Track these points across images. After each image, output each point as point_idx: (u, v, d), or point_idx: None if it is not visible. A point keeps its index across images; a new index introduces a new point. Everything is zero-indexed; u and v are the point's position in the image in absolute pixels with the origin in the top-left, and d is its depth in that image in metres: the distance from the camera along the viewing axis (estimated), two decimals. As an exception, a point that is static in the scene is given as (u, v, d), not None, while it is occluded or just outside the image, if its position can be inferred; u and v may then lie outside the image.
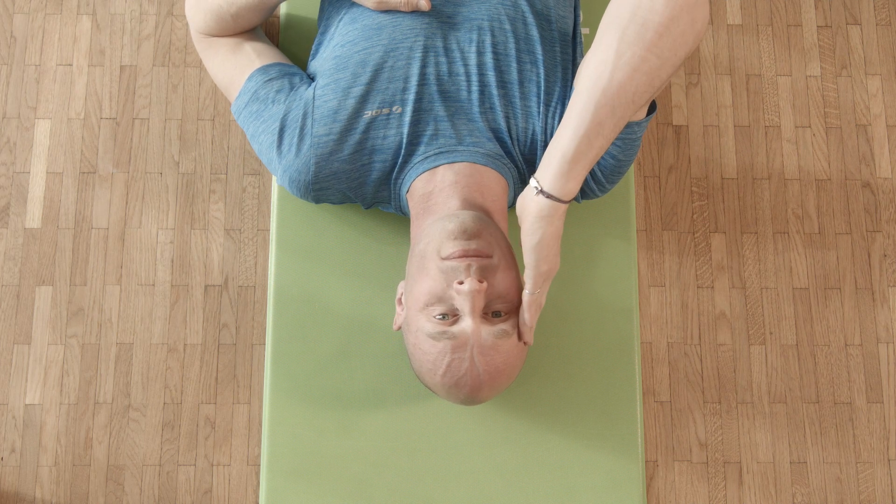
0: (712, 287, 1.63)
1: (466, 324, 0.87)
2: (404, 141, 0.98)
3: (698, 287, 1.63)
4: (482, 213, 0.94)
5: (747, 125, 1.70)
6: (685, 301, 1.62)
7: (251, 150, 1.63)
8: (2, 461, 1.51)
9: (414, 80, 0.97)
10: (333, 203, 1.06)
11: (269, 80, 1.03)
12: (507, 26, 0.99)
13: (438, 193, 0.97)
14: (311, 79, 1.03)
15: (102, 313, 1.56)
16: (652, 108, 0.97)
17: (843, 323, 1.63)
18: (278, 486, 1.07)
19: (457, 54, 0.98)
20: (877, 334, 1.63)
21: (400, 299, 0.97)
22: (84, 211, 1.60)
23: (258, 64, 1.06)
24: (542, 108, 0.99)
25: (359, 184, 1.01)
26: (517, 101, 0.99)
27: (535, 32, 0.99)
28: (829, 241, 1.66)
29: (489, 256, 0.89)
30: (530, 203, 0.87)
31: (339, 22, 1.03)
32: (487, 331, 0.88)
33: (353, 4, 1.02)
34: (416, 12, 0.98)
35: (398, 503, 1.07)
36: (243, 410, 1.54)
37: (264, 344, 1.55)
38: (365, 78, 0.97)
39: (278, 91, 1.02)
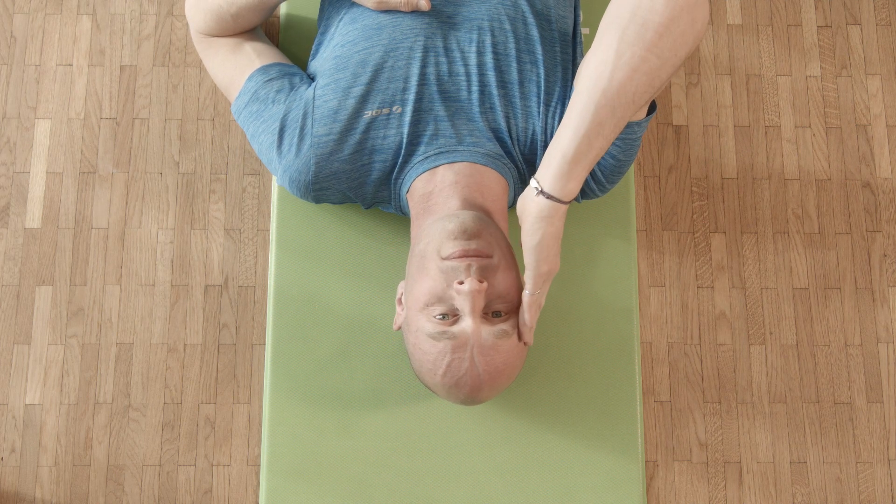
0: (712, 287, 1.63)
1: (466, 324, 0.87)
2: (404, 141, 0.98)
3: (698, 287, 1.63)
4: (482, 213, 0.94)
5: (747, 125, 1.70)
6: (685, 301, 1.62)
7: (251, 150, 1.63)
8: (2, 461, 1.51)
9: (414, 80, 0.97)
10: (333, 203, 1.06)
11: (269, 80, 1.03)
12: (508, 26, 0.99)
13: (438, 193, 0.97)
14: (311, 79, 1.03)
15: (102, 313, 1.56)
16: (652, 108, 0.97)
17: (843, 323, 1.63)
18: (278, 486, 1.07)
19: (457, 54, 0.98)
20: (877, 334, 1.63)
21: (400, 299, 0.97)
22: (84, 211, 1.60)
23: (258, 64, 1.06)
24: (542, 108, 0.99)
25: (359, 184, 1.01)
26: (517, 101, 0.99)
27: (535, 32, 0.99)
28: (829, 241, 1.66)
29: (489, 256, 0.89)
30: (530, 203, 0.87)
31: (339, 22, 1.03)
32: (487, 331, 0.88)
33: (353, 4, 1.02)
34: (416, 12, 0.98)
35: (398, 503, 1.07)
36: (243, 410, 1.54)
37: (264, 344, 1.55)
38: (365, 78, 0.97)
39: (278, 91, 1.02)
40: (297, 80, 1.03)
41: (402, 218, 1.12)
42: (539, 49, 0.99)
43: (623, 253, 1.14)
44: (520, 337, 0.91)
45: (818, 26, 1.75)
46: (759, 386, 1.60)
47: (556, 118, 0.99)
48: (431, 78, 0.98)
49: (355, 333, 1.10)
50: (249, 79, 1.04)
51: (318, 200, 1.03)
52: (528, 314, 0.90)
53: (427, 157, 0.98)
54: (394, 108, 0.98)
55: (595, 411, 1.09)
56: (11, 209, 1.59)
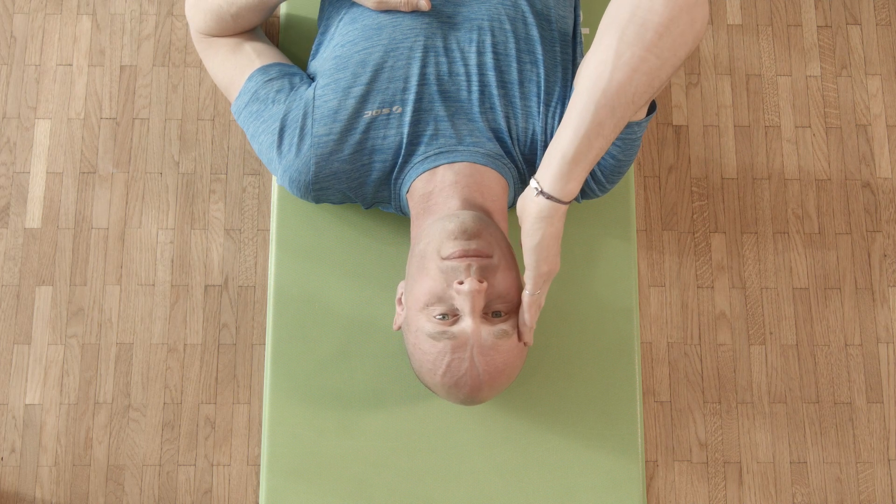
0: (712, 287, 1.63)
1: (466, 324, 0.87)
2: (404, 141, 0.98)
3: (698, 287, 1.63)
4: (482, 213, 0.94)
5: (747, 125, 1.70)
6: (685, 301, 1.62)
7: (251, 150, 1.63)
8: (2, 461, 1.51)
9: (414, 80, 0.97)
10: (333, 203, 1.06)
11: (270, 80, 1.03)
12: (508, 26, 0.99)
13: (438, 193, 0.97)
14: (312, 79, 1.03)
15: (102, 313, 1.56)
16: (652, 107, 0.97)
17: (843, 323, 1.63)
18: (278, 486, 1.07)
19: (457, 54, 0.98)
20: (877, 334, 1.63)
21: (400, 299, 0.97)
22: (84, 211, 1.60)
23: (258, 64, 1.06)
24: (542, 108, 0.99)
25: (359, 184, 1.01)
26: (517, 101, 0.99)
27: (535, 32, 0.99)
28: (829, 241, 1.66)
29: (489, 256, 0.89)
30: (530, 204, 0.87)
31: (340, 22, 1.03)
32: (487, 331, 0.88)
33: (354, 4, 1.02)
34: (416, 12, 0.98)
35: (398, 503, 1.07)
36: (243, 410, 1.54)
37: (264, 344, 1.55)
38: (365, 78, 0.97)
39: (278, 91, 1.02)
40: (297, 80, 1.03)
41: (402, 218, 1.12)
42: (539, 49, 0.99)
43: (623, 253, 1.14)
44: (520, 337, 0.91)
45: (818, 26, 1.75)
46: (759, 386, 1.60)
47: (556, 118, 0.99)
48: (431, 78, 0.98)
49: (355, 333, 1.10)
50: (249, 79, 1.04)
51: (318, 200, 1.03)
52: (528, 314, 0.90)
53: (427, 157, 0.98)
54: (394, 108, 0.98)
55: (595, 411, 1.09)
56: (11, 209, 1.59)
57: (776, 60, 1.73)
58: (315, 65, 1.04)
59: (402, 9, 0.98)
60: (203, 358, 1.56)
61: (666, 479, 1.56)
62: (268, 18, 1.20)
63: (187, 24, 1.65)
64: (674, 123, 1.69)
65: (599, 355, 1.11)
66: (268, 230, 1.60)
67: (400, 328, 0.97)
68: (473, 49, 0.98)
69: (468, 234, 0.88)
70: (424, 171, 0.98)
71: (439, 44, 0.98)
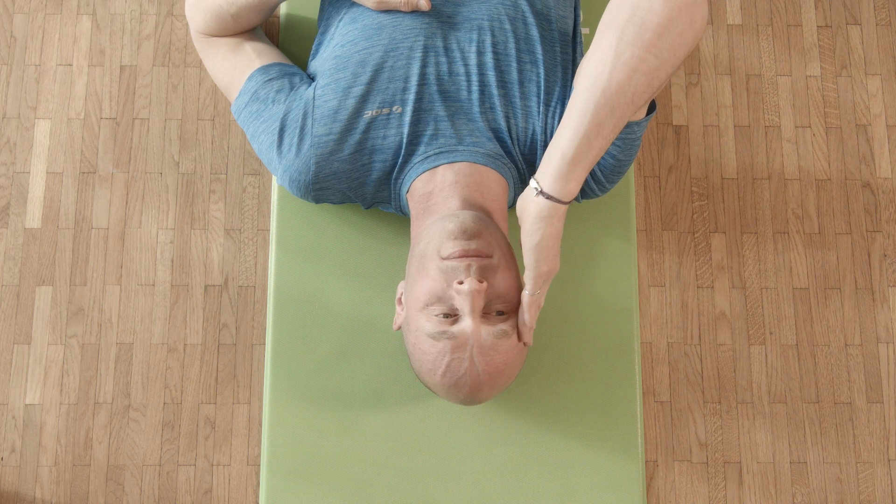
0: (712, 287, 1.63)
1: (466, 324, 0.87)
2: (404, 141, 0.98)
3: (698, 287, 1.63)
4: (482, 213, 0.94)
5: (747, 125, 1.70)
6: (685, 301, 1.62)
7: (251, 150, 1.63)
8: (2, 461, 1.51)
9: (414, 80, 0.97)
10: (333, 203, 1.06)
11: (269, 80, 1.03)
12: (508, 26, 0.99)
13: (438, 193, 0.97)
14: (312, 79, 1.03)
15: (102, 313, 1.56)
16: (651, 107, 0.97)
17: (843, 323, 1.63)
18: (278, 486, 1.07)
19: (457, 54, 0.98)
20: (877, 334, 1.63)
21: (400, 299, 0.97)
22: (84, 211, 1.60)
23: (258, 64, 1.06)
24: (542, 107, 0.99)
25: (359, 184, 1.01)
26: (517, 100, 0.99)
27: (535, 32, 0.99)
28: (829, 241, 1.66)
29: (489, 256, 0.89)
30: (530, 204, 0.87)
31: (340, 22, 1.03)
32: (487, 331, 0.88)
33: (354, 4, 1.02)
34: (416, 12, 0.98)
35: (398, 503, 1.07)
36: (243, 410, 1.54)
37: (264, 344, 1.55)
38: (365, 78, 0.97)
39: (278, 91, 1.02)
40: (297, 80, 1.03)
41: (402, 218, 1.12)
42: (539, 49, 0.99)
43: (623, 253, 1.14)
44: (519, 337, 0.91)
45: (818, 26, 1.75)
46: (759, 386, 1.60)
47: (556, 118, 0.99)
48: (431, 78, 0.98)
49: (355, 333, 1.10)
50: (249, 79, 1.04)
51: (318, 200, 1.03)
52: (527, 314, 0.90)
53: (427, 157, 0.98)
54: (394, 108, 0.98)
55: (595, 411, 1.09)
56: (11, 209, 1.59)
57: (776, 60, 1.73)
58: (315, 65, 1.04)
59: (402, 9, 0.98)
60: (203, 358, 1.56)
61: (666, 479, 1.56)
62: (268, 18, 1.20)
63: (187, 24, 1.65)
64: (674, 123, 1.69)
65: (599, 355, 1.11)
66: (268, 230, 1.60)
67: (400, 328, 0.97)
68: (473, 49, 0.98)
69: (468, 234, 0.88)
70: (424, 171, 0.98)
71: (439, 44, 0.98)
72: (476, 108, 0.98)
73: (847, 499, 1.57)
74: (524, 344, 0.92)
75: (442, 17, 0.99)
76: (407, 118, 0.97)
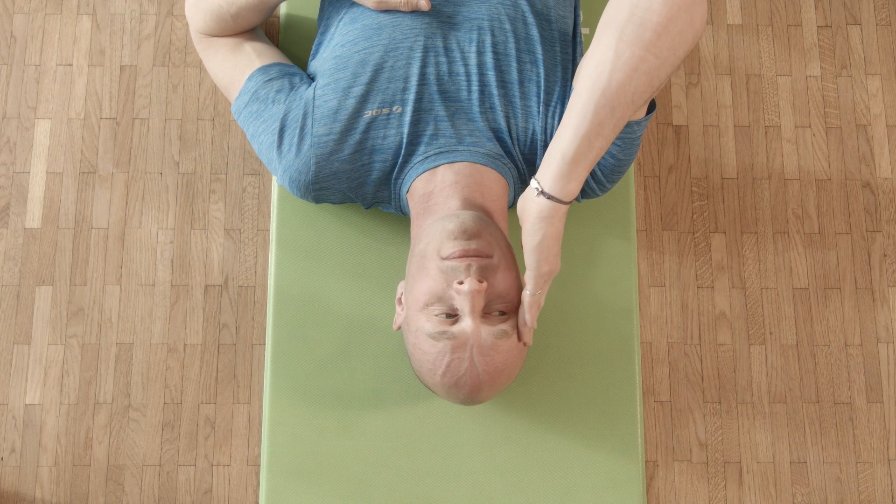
0: (712, 287, 1.63)
1: (466, 324, 0.87)
2: (404, 141, 0.98)
3: (698, 287, 1.63)
4: (482, 213, 0.94)
5: (747, 125, 1.70)
6: (685, 301, 1.62)
7: (251, 150, 1.63)
8: (2, 461, 1.51)
9: (414, 80, 0.97)
10: (333, 203, 1.06)
11: (270, 80, 1.03)
12: (507, 26, 0.99)
13: (438, 193, 0.97)
14: (311, 79, 1.03)
15: (102, 313, 1.56)
16: (651, 107, 0.97)
17: (843, 323, 1.63)
18: (278, 486, 1.07)
19: (457, 54, 0.98)
20: (877, 334, 1.63)
21: (400, 299, 0.97)
22: (84, 211, 1.60)
23: (258, 64, 1.06)
24: (541, 107, 0.99)
25: (359, 184, 1.01)
26: (517, 100, 0.99)
27: (535, 32, 0.99)
28: (829, 241, 1.66)
29: (489, 256, 0.89)
30: (531, 204, 0.87)
31: (339, 22, 1.03)
32: (487, 331, 0.88)
33: (353, 4, 1.02)
34: (416, 12, 0.98)
35: (398, 503, 1.07)
36: (243, 410, 1.54)
37: (264, 344, 1.55)
38: (365, 78, 0.97)
39: (278, 91, 1.02)
40: (297, 80, 1.03)
41: (402, 218, 1.12)
42: (539, 49, 0.99)
43: (623, 253, 1.14)
44: (519, 337, 0.91)
45: (818, 26, 1.75)
46: (759, 386, 1.60)
47: (556, 118, 0.99)
48: (431, 78, 0.98)
49: (355, 333, 1.10)
50: (249, 79, 1.04)
51: (318, 200, 1.03)
52: (528, 314, 0.90)
53: (427, 157, 0.98)
54: (394, 108, 0.98)
55: (595, 411, 1.09)
56: (11, 209, 1.59)
57: (776, 60, 1.73)
58: (315, 65, 1.04)
59: (402, 9, 0.98)
60: (203, 358, 1.56)
61: (666, 479, 1.56)
62: (268, 18, 1.20)
63: (187, 24, 1.65)
64: (674, 123, 1.69)
65: (599, 355, 1.11)
66: (268, 230, 1.60)
67: (400, 328, 0.97)
68: (473, 49, 0.98)
69: (468, 234, 0.88)
70: (424, 171, 0.98)
71: (439, 44, 0.98)
72: (476, 108, 0.98)
73: (847, 499, 1.57)
74: (524, 344, 0.92)
75: (442, 17, 0.99)
76: (407, 118, 0.97)
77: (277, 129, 0.99)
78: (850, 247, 1.66)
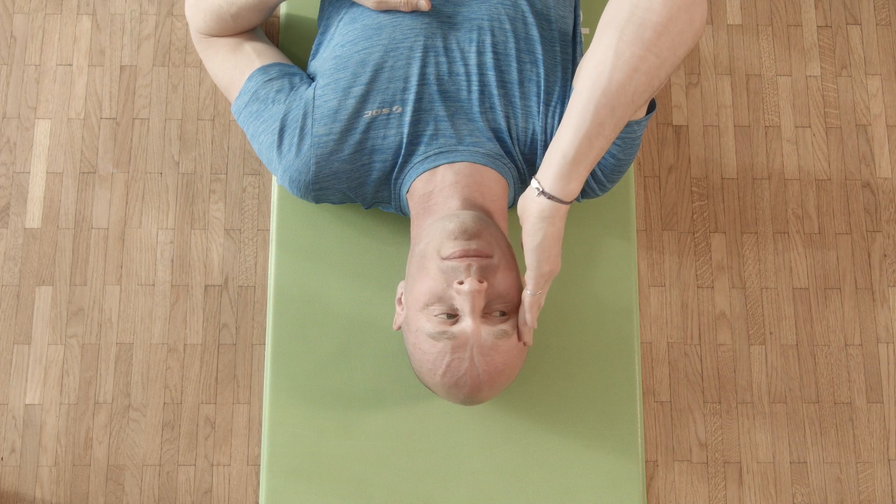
0: (712, 287, 1.63)
1: (466, 324, 0.87)
2: (404, 141, 0.98)
3: (698, 287, 1.63)
4: (482, 213, 0.94)
5: (747, 125, 1.70)
6: (685, 301, 1.62)
7: (251, 150, 1.63)
8: (2, 461, 1.51)
9: (414, 80, 0.97)
10: (333, 203, 1.06)
11: (269, 80, 1.03)
12: (507, 26, 0.99)
13: (438, 193, 0.97)
14: (312, 79, 1.03)
15: (102, 313, 1.56)
16: (651, 106, 0.97)
17: (843, 323, 1.63)
18: (278, 486, 1.07)
19: (457, 54, 0.98)
20: (877, 334, 1.63)
21: (400, 299, 0.97)
22: (84, 211, 1.60)
23: (258, 64, 1.06)
24: (541, 107, 0.99)
25: (359, 184, 1.01)
26: (517, 100, 0.99)
27: (535, 32, 0.99)
28: (829, 241, 1.66)
29: (489, 256, 0.89)
30: (532, 204, 0.87)
31: (339, 22, 1.03)
32: (487, 331, 0.88)
33: (353, 4, 1.02)
34: (415, 12, 0.98)
35: (398, 503, 1.07)
36: (243, 410, 1.54)
37: (264, 344, 1.55)
38: (365, 78, 0.97)
39: (278, 91, 1.02)
40: (297, 79, 1.03)
41: (402, 218, 1.12)
42: (539, 49, 0.99)
43: (623, 253, 1.14)
44: (520, 337, 0.91)
45: (818, 26, 1.75)
46: (759, 386, 1.60)
47: (556, 118, 0.99)
48: (431, 78, 0.98)
49: (355, 333, 1.10)
50: (249, 79, 1.04)
51: (318, 200, 1.03)
52: (529, 314, 0.90)
53: (427, 157, 0.98)
54: (394, 108, 0.98)
55: (595, 411, 1.09)
56: (11, 209, 1.59)
57: (776, 60, 1.73)
58: (315, 65, 1.04)
59: (402, 9, 0.98)
60: (203, 358, 1.55)
61: (666, 479, 1.56)
62: (268, 18, 1.20)
63: (187, 24, 1.65)
64: (674, 123, 1.69)
65: (599, 355, 1.11)
66: (268, 230, 1.60)
67: (400, 328, 0.97)
68: (473, 49, 0.98)
69: (468, 234, 0.88)
70: (424, 171, 0.98)
71: (439, 44, 0.98)
72: (476, 108, 0.98)
73: (847, 499, 1.57)
74: (524, 344, 0.92)
75: (442, 17, 0.99)
76: (407, 118, 0.97)
77: (277, 129, 0.99)
78: (850, 247, 1.66)
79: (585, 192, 1.03)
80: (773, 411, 1.59)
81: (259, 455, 1.44)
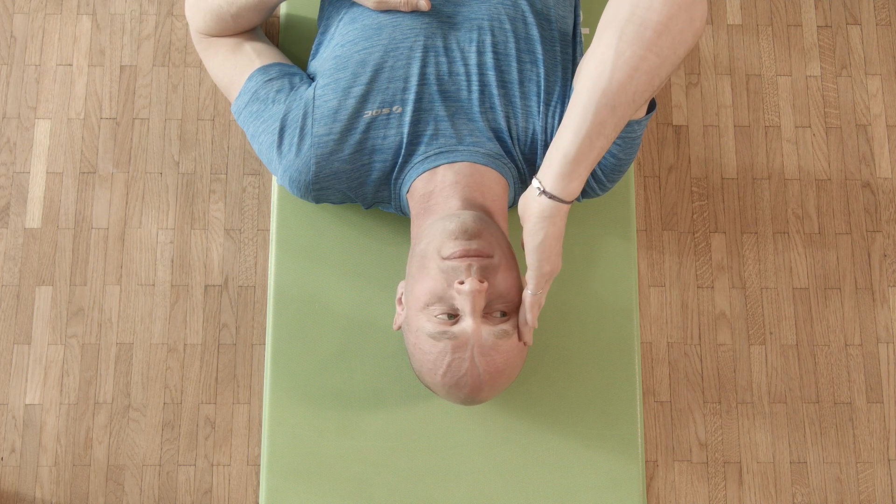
0: (712, 287, 1.63)
1: (467, 324, 0.87)
2: (404, 141, 0.98)
3: (698, 287, 1.63)
4: (482, 213, 0.94)
5: (747, 125, 1.70)
6: (685, 301, 1.62)
7: (251, 150, 1.63)
8: (2, 461, 1.51)
9: (414, 80, 0.97)
10: (333, 203, 1.06)
11: (270, 80, 1.03)
12: (508, 26, 0.99)
13: (439, 193, 0.97)
14: (312, 79, 1.03)
15: (102, 313, 1.56)
16: (652, 106, 0.97)
17: (843, 323, 1.63)
18: (278, 486, 1.07)
19: (457, 54, 0.98)
20: (877, 334, 1.63)
21: (400, 299, 0.97)
22: (84, 211, 1.60)
23: (258, 64, 1.06)
24: (542, 107, 0.99)
25: (359, 184, 1.01)
26: (517, 100, 0.99)
27: (535, 32, 0.99)
28: (829, 241, 1.66)
29: (490, 256, 0.89)
30: (532, 203, 0.87)
31: (339, 22, 1.03)
32: (488, 331, 0.88)
33: (353, 4, 1.02)
34: (415, 12, 0.98)
35: (398, 503, 1.07)
36: (243, 410, 1.54)
37: (264, 344, 1.55)
38: (365, 78, 0.97)
39: (278, 91, 1.02)
40: (297, 79, 1.03)
41: (402, 218, 1.12)
42: (539, 49, 0.99)
43: (623, 253, 1.14)
44: (520, 337, 0.91)
45: (818, 26, 1.75)
46: (759, 386, 1.60)
47: (556, 118, 0.99)
48: (431, 78, 0.98)
49: (355, 333, 1.10)
50: (249, 79, 1.04)
51: (318, 200, 1.03)
52: (529, 314, 0.90)
53: (427, 157, 0.98)
54: (394, 108, 0.98)
55: (595, 411, 1.09)
56: (11, 209, 1.59)
57: (776, 60, 1.73)
58: (315, 65, 1.04)
59: (402, 9, 0.98)
60: (203, 358, 1.55)
61: (666, 479, 1.56)
62: (268, 18, 1.20)
63: (187, 24, 1.65)
64: (674, 123, 1.69)
65: (599, 355, 1.11)
66: (268, 230, 1.60)
67: (400, 328, 0.97)
68: (473, 49, 0.98)
69: (469, 234, 0.88)
70: (425, 171, 0.98)
71: (439, 44, 0.98)
72: (476, 108, 0.98)
73: (847, 499, 1.57)
74: (525, 344, 0.92)
75: (442, 17, 0.99)
76: (407, 118, 0.97)
77: (277, 129, 0.99)
78: (850, 247, 1.66)
79: (586, 192, 1.03)
80: (773, 411, 1.59)
81: (259, 455, 1.44)
